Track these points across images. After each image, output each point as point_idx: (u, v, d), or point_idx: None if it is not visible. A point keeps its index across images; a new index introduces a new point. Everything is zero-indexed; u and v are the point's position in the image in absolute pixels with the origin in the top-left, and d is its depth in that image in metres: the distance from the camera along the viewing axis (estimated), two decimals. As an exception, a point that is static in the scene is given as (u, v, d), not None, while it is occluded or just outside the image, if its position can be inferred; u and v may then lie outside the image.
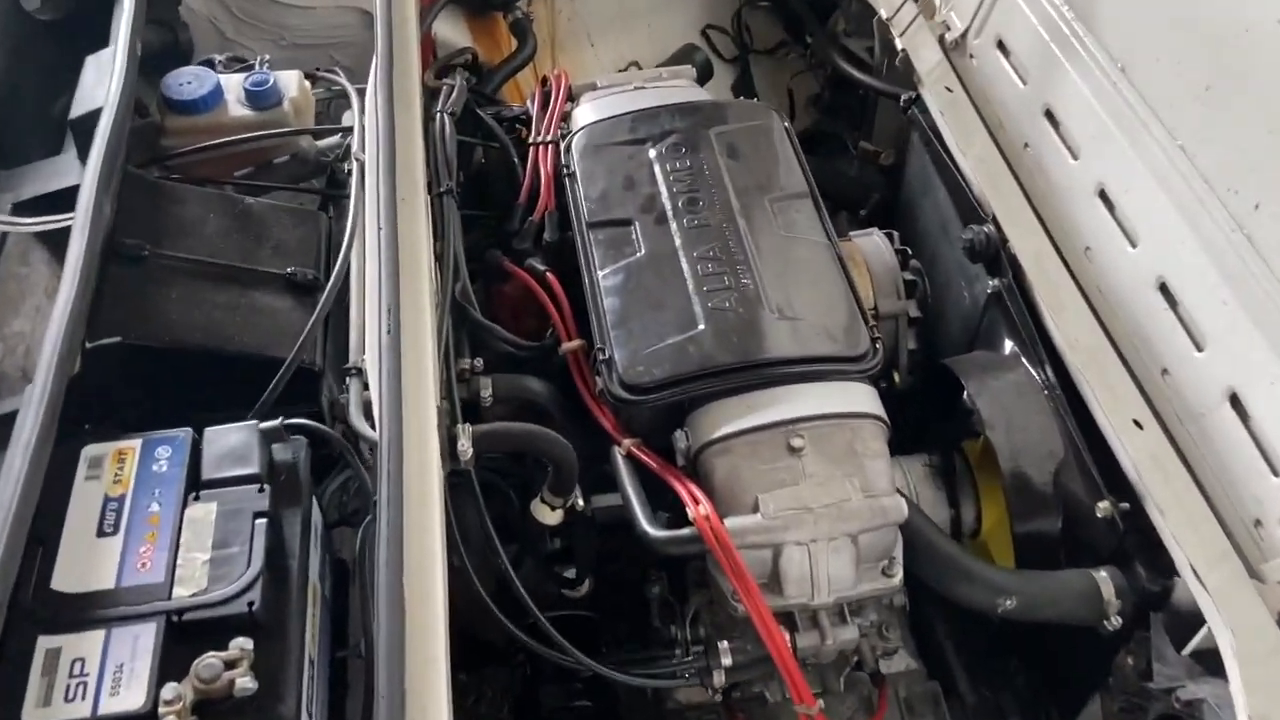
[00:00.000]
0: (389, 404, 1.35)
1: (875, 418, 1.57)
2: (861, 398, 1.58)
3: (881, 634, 1.65)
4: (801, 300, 1.66)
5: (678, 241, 1.74)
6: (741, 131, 1.96)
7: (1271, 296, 1.53)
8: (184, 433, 1.41)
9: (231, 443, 1.40)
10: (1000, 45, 2.21)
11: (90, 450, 1.38)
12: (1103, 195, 1.88)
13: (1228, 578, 1.44)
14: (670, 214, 1.79)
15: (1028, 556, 1.68)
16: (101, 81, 1.81)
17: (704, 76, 2.76)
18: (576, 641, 1.51)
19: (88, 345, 1.44)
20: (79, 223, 1.51)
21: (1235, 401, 1.58)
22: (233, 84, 1.90)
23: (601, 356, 1.61)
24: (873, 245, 2.00)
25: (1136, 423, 1.62)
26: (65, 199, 1.67)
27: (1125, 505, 1.56)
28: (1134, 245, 1.80)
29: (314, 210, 1.84)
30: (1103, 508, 1.57)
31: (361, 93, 1.92)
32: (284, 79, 1.92)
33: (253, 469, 1.37)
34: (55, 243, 1.72)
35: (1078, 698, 1.76)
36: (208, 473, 1.37)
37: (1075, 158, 1.96)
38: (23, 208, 1.74)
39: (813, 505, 1.46)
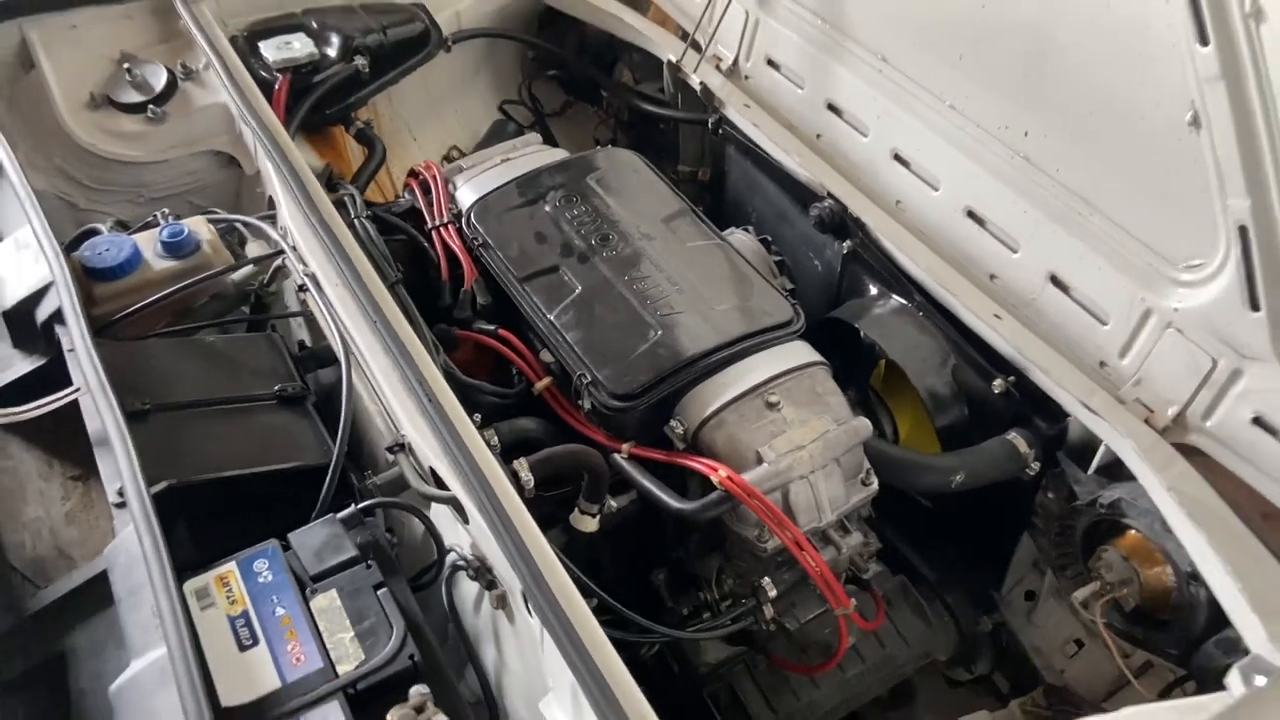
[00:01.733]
0: (465, 462, 1.53)
1: (820, 363, 1.92)
2: (804, 351, 1.92)
3: (865, 541, 1.99)
4: (726, 291, 1.99)
5: (606, 272, 2.02)
6: (612, 173, 2.27)
7: (1058, 196, 2.01)
8: (271, 544, 1.53)
9: (320, 538, 1.53)
10: (770, 62, 2.66)
11: (191, 584, 1.47)
12: (898, 158, 2.35)
13: (1105, 405, 1.90)
14: (589, 252, 2.06)
15: (951, 443, 2.08)
16: (18, 264, 1.85)
17: (518, 145, 3.05)
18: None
19: (151, 491, 1.51)
20: (93, 388, 1.58)
21: (1055, 280, 2.06)
22: (146, 241, 1.98)
23: (586, 380, 1.86)
24: (740, 240, 2.36)
25: (997, 315, 2.07)
26: (25, 386, 1.72)
27: (1012, 378, 2.00)
28: (936, 190, 2.27)
29: (265, 333, 1.96)
30: (998, 384, 1.99)
31: (268, 219, 2.06)
32: (193, 225, 2.02)
33: (351, 553, 1.51)
34: (27, 432, 1.75)
35: (1009, 544, 2.18)
36: (312, 569, 1.50)
37: (865, 136, 2.42)
38: (-21, 405, 1.75)
39: (804, 443, 1.78)
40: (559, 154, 2.40)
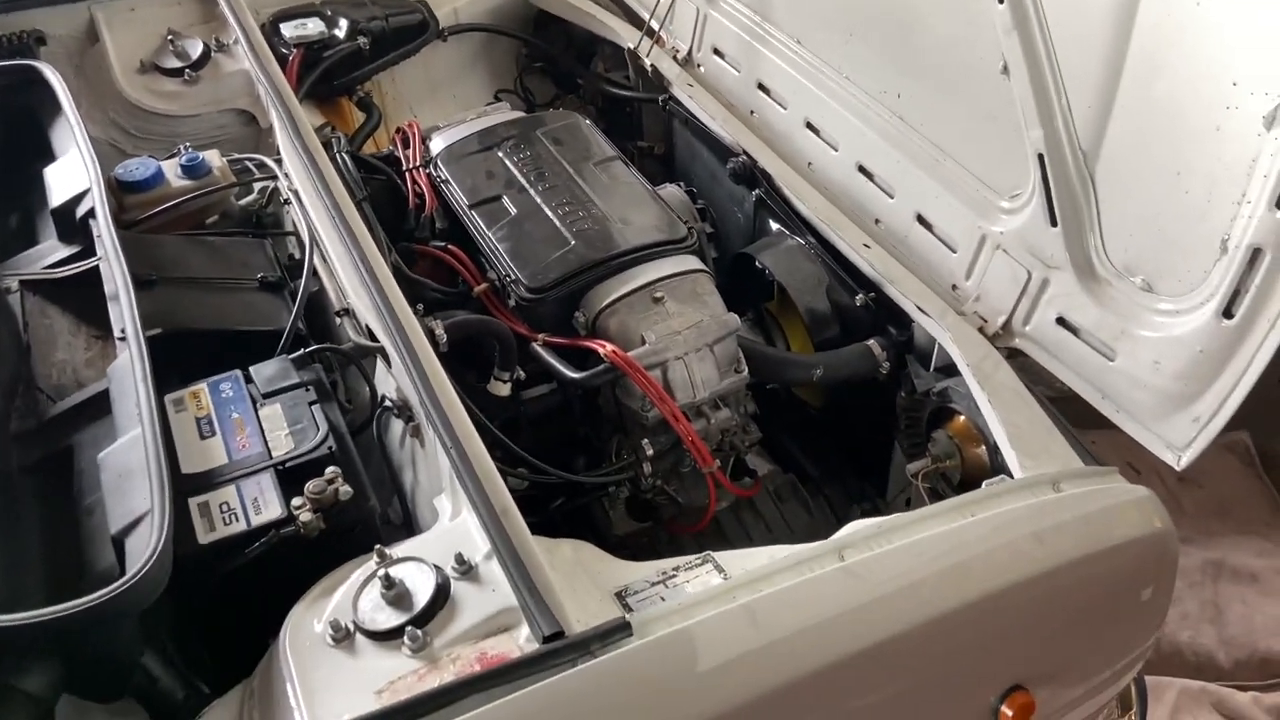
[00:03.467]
0: (390, 318, 1.94)
1: (703, 271, 2.31)
2: (692, 262, 2.32)
3: (745, 429, 2.36)
4: (635, 214, 2.40)
5: (538, 200, 2.44)
6: (559, 129, 2.71)
7: (923, 147, 2.38)
8: (234, 372, 1.96)
9: (273, 370, 1.96)
10: (716, 51, 3.09)
11: (170, 396, 1.90)
12: (809, 125, 2.74)
13: (945, 317, 2.25)
14: (527, 185, 2.49)
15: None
16: (68, 177, 2.34)
17: (508, 125, 3.51)
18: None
19: (146, 335, 1.95)
20: (110, 258, 2.03)
21: (921, 219, 2.42)
22: (169, 166, 2.46)
23: (510, 279, 2.28)
24: (670, 192, 2.76)
25: (865, 245, 2.44)
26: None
27: (872, 295, 2.36)
28: (836, 150, 2.66)
29: (255, 238, 2.42)
30: (859, 299, 2.36)
31: (275, 162, 2.54)
32: (207, 155, 2.49)
33: (295, 380, 1.94)
34: (66, 297, 2.22)
35: (884, 449, 2.52)
36: (264, 389, 1.92)
37: (785, 108, 2.83)
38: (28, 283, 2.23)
39: (680, 329, 2.17)
40: (517, 114, 2.84)
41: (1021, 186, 2.14)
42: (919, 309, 2.24)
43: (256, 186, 2.49)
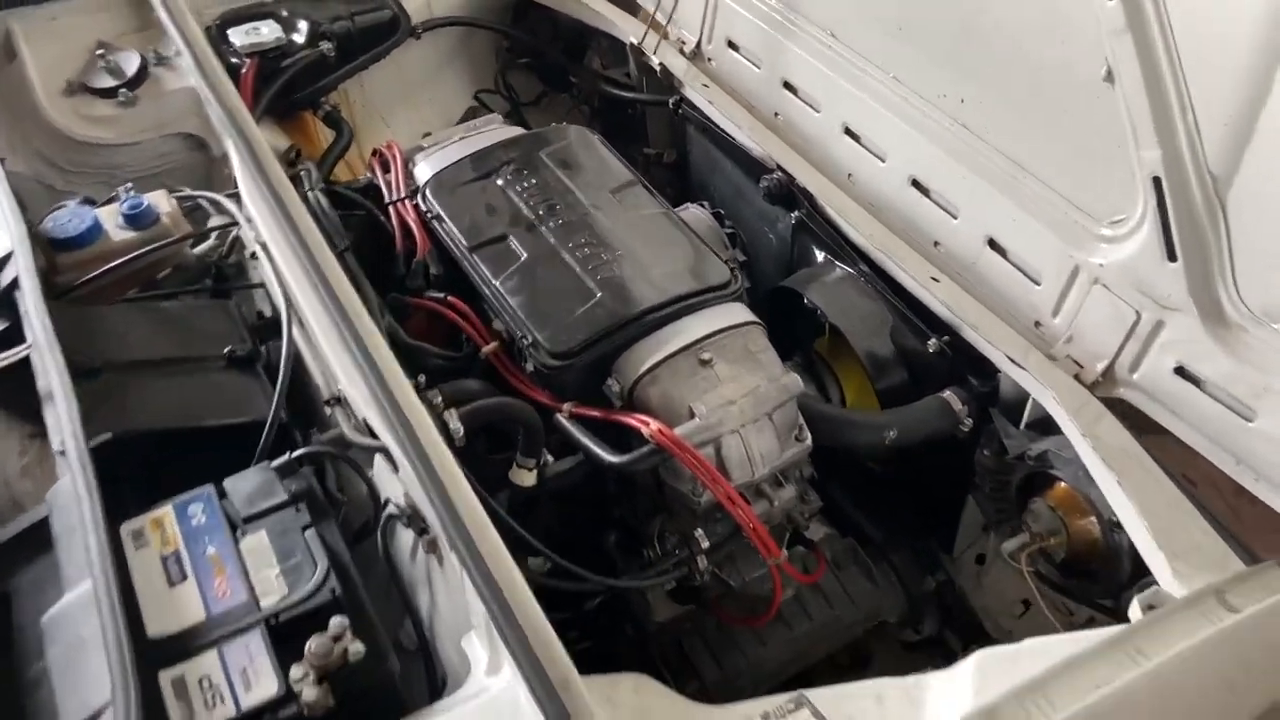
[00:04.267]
0: (393, 410, 1.58)
1: (754, 323, 1.97)
2: (739, 312, 1.97)
3: (804, 499, 2.03)
4: (667, 254, 2.05)
5: (552, 240, 2.08)
6: (564, 148, 2.33)
7: (994, 161, 2.06)
8: (206, 488, 1.59)
9: (254, 484, 1.59)
10: (730, 44, 2.73)
11: (128, 526, 1.53)
12: (848, 132, 2.40)
13: (1035, 362, 1.93)
14: (537, 222, 2.13)
15: (890, 405, 2.12)
16: (-17, 243, 1.94)
17: (492, 132, 3.12)
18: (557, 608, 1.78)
19: (90, 445, 1.58)
20: (41, 347, 1.65)
21: (993, 244, 2.10)
22: (108, 215, 2.06)
23: (526, 341, 1.92)
24: (694, 215, 2.42)
25: (934, 278, 2.11)
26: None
27: (946, 338, 2.04)
28: (884, 161, 2.32)
29: (222, 300, 2.04)
30: (932, 344, 2.04)
31: (232, 197, 2.14)
32: (153, 199, 2.09)
33: (281, 497, 1.57)
34: (-10, 388, 1.83)
35: (955, 505, 2.22)
36: (244, 511, 1.55)
37: (818, 111, 2.48)
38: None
39: (735, 398, 1.83)
40: (516, 131, 2.47)
41: (1126, 212, 1.82)
42: (1010, 359, 1.92)
43: (219, 229, 2.09)
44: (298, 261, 1.85)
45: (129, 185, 2.13)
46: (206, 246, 2.17)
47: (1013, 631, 2.23)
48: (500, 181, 2.24)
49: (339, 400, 1.71)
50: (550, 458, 1.85)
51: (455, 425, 1.67)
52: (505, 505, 1.85)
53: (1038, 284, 2.02)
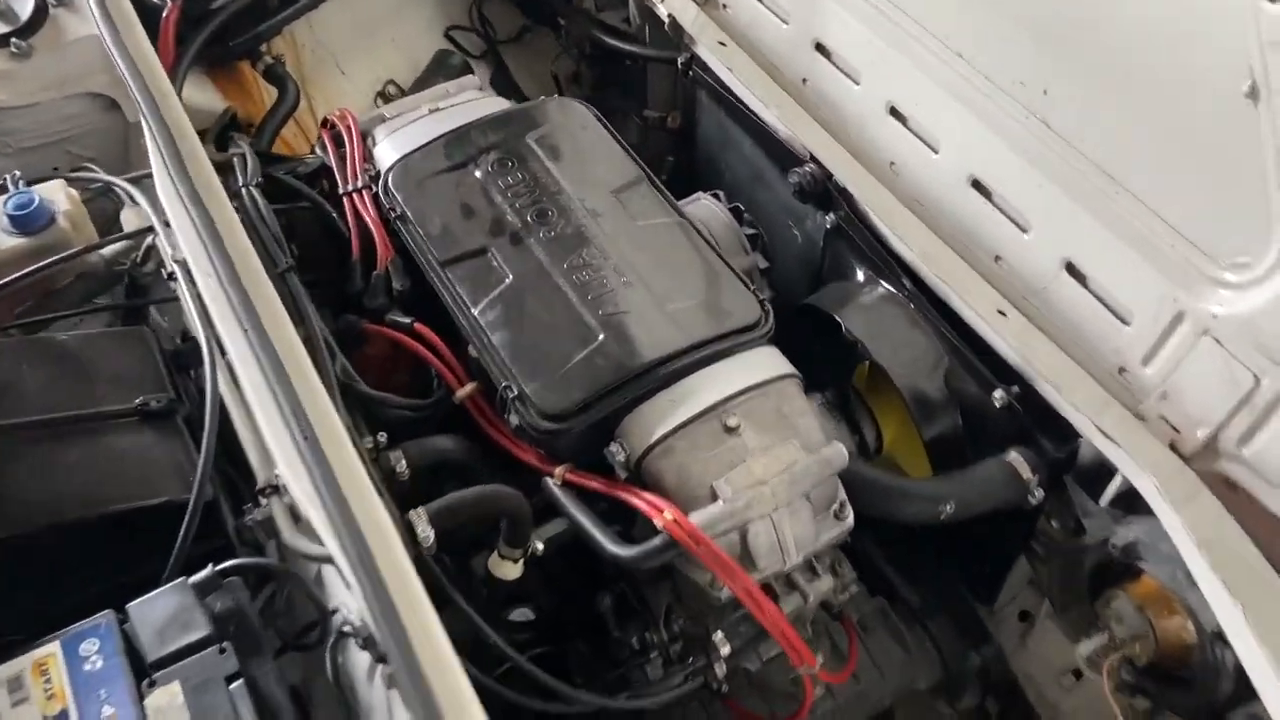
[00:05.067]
0: (338, 512, 1.24)
1: (790, 376, 1.62)
2: (771, 362, 1.62)
3: (836, 572, 1.72)
4: (683, 284, 1.68)
5: (543, 257, 1.70)
6: (557, 131, 1.93)
7: (1080, 170, 1.69)
8: (104, 618, 1.25)
9: (166, 610, 1.25)
10: (750, -9, 2.30)
11: (3, 672, 1.19)
12: (894, 112, 2.01)
13: (1123, 425, 1.61)
14: (524, 232, 1.74)
15: (940, 458, 1.80)
16: None
17: (462, 79, 2.68)
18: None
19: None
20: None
21: (1071, 269, 1.75)
22: (-12, 213, 1.66)
23: (511, 394, 1.56)
24: (707, 210, 2.03)
25: (1001, 312, 1.76)
26: None
27: (1015, 389, 1.70)
28: (936, 152, 1.94)
29: (135, 328, 1.65)
30: (998, 396, 1.70)
31: (138, 182, 1.73)
32: (48, 193, 1.69)
33: (201, 631, 1.23)
34: None
35: (1002, 566, 1.92)
36: (153, 653, 1.22)
37: (857, 83, 2.08)
38: None
39: (766, 478, 1.50)
40: (497, 103, 2.05)
41: (1253, 255, 1.48)
42: (1101, 431, 1.59)
43: (129, 237, 1.69)
44: (224, 294, 1.47)
45: (17, 176, 1.71)
46: (118, 249, 1.76)
47: (1059, 705, 1.96)
48: (479, 174, 1.84)
49: (276, 489, 1.35)
50: (540, 545, 1.51)
51: (424, 531, 1.32)
52: (482, 598, 1.52)
53: (1126, 323, 1.68)
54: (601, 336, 1.59)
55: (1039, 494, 1.67)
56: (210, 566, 1.28)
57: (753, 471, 1.50)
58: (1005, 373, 1.73)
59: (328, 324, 1.75)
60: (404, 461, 1.55)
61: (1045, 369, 1.67)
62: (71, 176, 1.79)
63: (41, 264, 1.59)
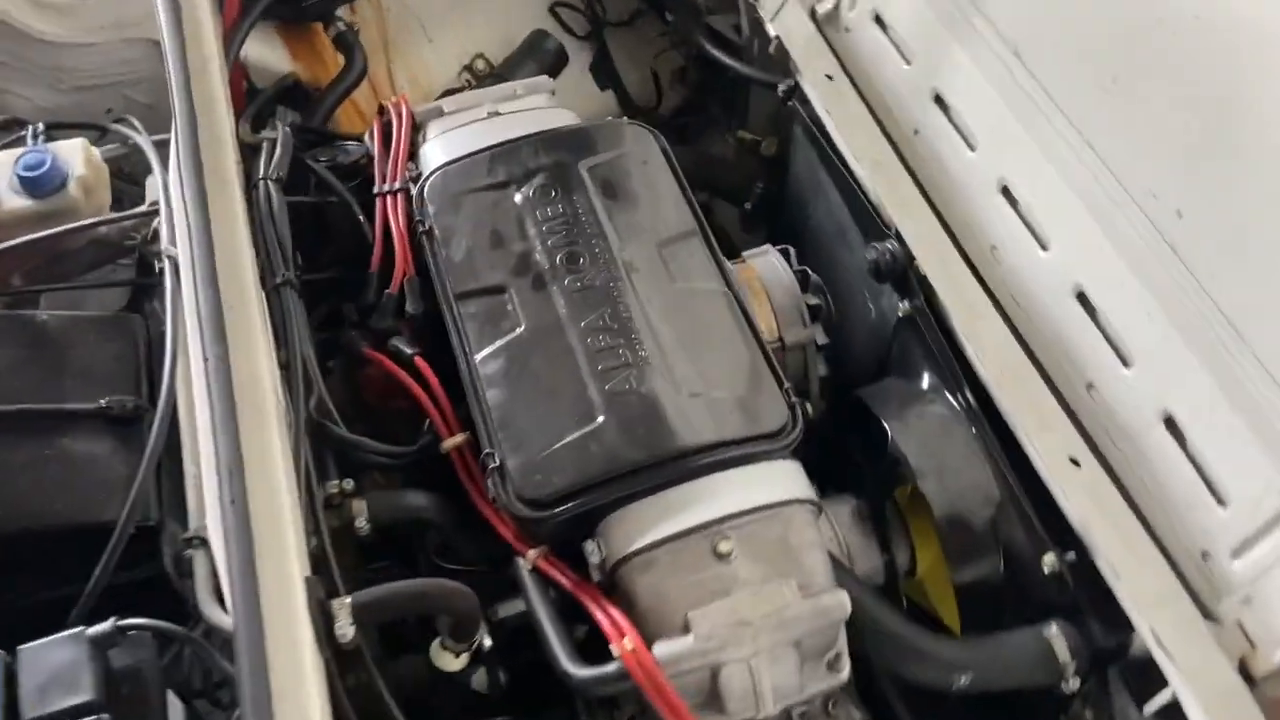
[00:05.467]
0: (243, 591, 1.12)
1: (805, 502, 1.41)
2: (788, 481, 1.42)
3: (827, 711, 1.52)
4: (709, 369, 1.48)
5: (562, 310, 1.53)
6: (615, 162, 1.73)
7: (1203, 315, 1.42)
8: (-9, 658, 1.16)
9: (55, 662, 1.16)
10: (878, 19, 2.04)
11: (-127, 703, 1.12)
12: (1005, 192, 1.75)
13: (1184, 635, 1.36)
14: (549, 275, 1.57)
15: (970, 608, 1.58)
16: None
17: (558, 65, 2.50)
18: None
19: None
20: None
21: (1171, 424, 1.49)
22: (2, 166, 1.57)
23: (492, 463, 1.41)
24: (770, 268, 1.82)
25: (1074, 460, 1.52)
26: None
27: (1071, 556, 1.46)
28: (1045, 249, 1.68)
29: (125, 315, 1.55)
30: (1049, 562, 1.46)
31: (163, 147, 1.62)
32: (65, 152, 1.59)
33: (85, 695, 1.13)
34: None
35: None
36: (31, 709, 1.12)
37: (972, 149, 1.82)
38: None
39: (750, 618, 1.31)
40: (562, 117, 1.85)
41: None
42: (1154, 636, 1.34)
43: (134, 216, 1.59)
44: (195, 309, 1.35)
45: (39, 128, 1.62)
46: (136, 216, 1.67)
47: None
48: (519, 198, 1.67)
49: (201, 542, 1.24)
50: (488, 641, 1.36)
51: (344, 627, 1.18)
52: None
53: (1222, 504, 1.41)
54: (600, 419, 1.41)
55: (1074, 682, 1.44)
56: (112, 620, 1.18)
57: (737, 608, 1.31)
58: (1065, 533, 1.49)
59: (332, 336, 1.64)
60: (365, 514, 1.42)
61: (1108, 545, 1.42)
62: (103, 126, 1.69)
63: (34, 236, 1.50)
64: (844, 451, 1.81)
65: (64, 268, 1.65)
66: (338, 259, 1.79)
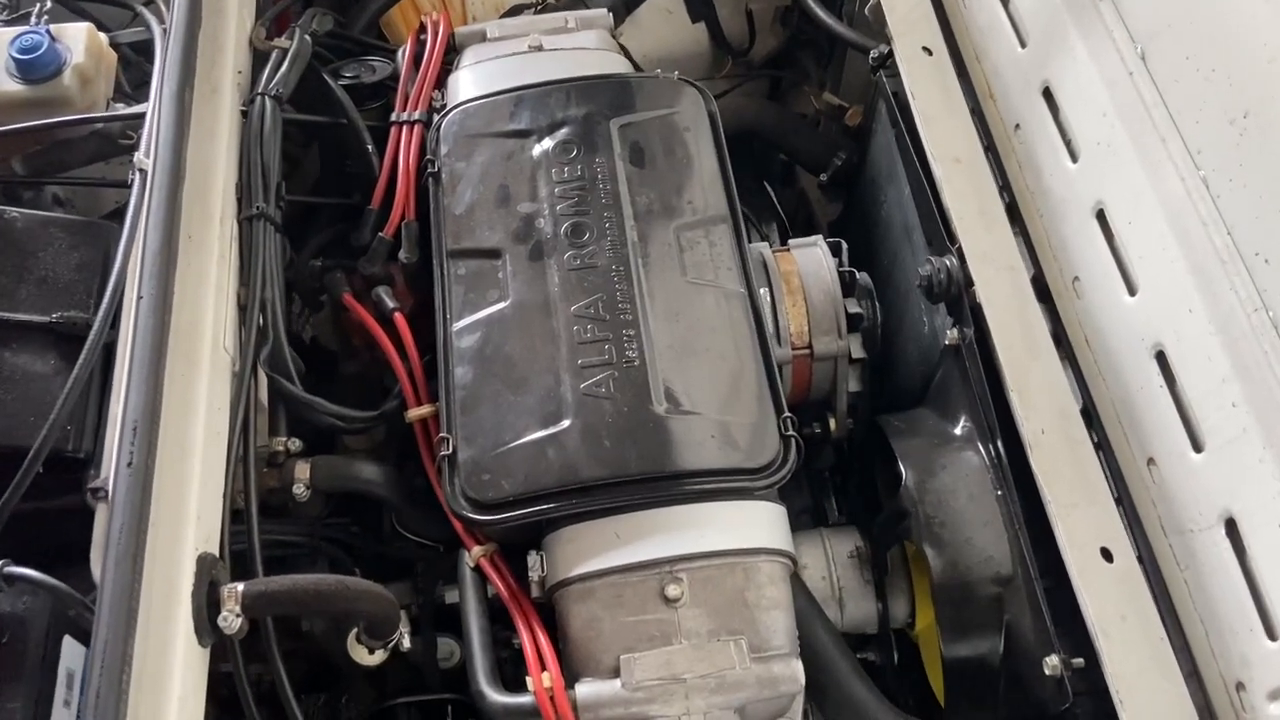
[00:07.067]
0: (117, 565, 1.02)
1: (777, 554, 1.24)
2: (762, 527, 1.25)
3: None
4: (699, 384, 1.31)
5: (554, 288, 1.37)
6: (651, 124, 1.53)
7: (1299, 412, 1.19)
8: None
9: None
10: (998, -9, 1.77)
11: None
12: (1100, 216, 1.51)
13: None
14: (549, 246, 1.41)
15: (959, 684, 1.40)
16: None
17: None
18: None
19: None
20: None
21: (1232, 527, 1.26)
22: (-1, 44, 1.47)
23: (444, 450, 1.28)
24: (813, 262, 1.61)
25: (1105, 552, 1.31)
26: None
27: (1079, 662, 1.27)
28: (1132, 293, 1.44)
29: (100, 222, 1.45)
30: (1050, 664, 1.27)
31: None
32: (68, 37, 1.48)
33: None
34: None
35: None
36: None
37: (1074, 159, 1.57)
38: None
39: (685, 675, 1.17)
40: (610, 62, 1.66)
41: None
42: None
43: (121, 118, 1.48)
44: (145, 227, 1.24)
45: (45, 6, 1.51)
46: (138, 110, 1.56)
47: None
48: (537, 151, 1.50)
49: (107, 495, 1.15)
50: (407, 643, 1.26)
51: (230, 621, 1.07)
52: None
53: (1272, 637, 1.20)
54: (566, 423, 1.26)
55: (1048, 809, 1.26)
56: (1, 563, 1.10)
57: (671, 661, 1.17)
58: (1079, 632, 1.29)
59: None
60: (306, 480, 1.31)
61: (1123, 661, 1.22)
62: (118, 2, 1.57)
63: (14, 128, 1.41)
64: (868, 474, 1.63)
65: (64, 157, 1.57)
66: (356, 183, 1.66)
